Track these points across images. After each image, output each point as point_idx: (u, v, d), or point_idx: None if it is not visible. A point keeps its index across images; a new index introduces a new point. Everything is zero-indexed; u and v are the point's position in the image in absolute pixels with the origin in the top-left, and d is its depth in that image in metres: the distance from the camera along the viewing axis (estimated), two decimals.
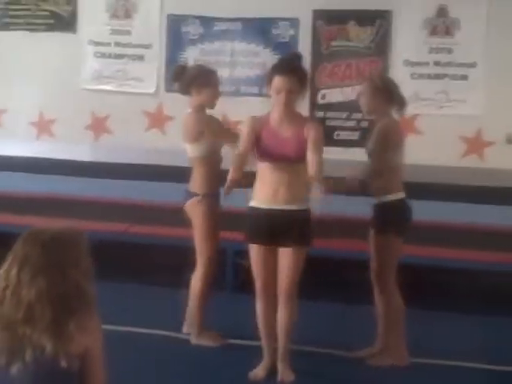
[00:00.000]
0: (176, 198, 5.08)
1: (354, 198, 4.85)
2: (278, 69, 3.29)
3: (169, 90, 5.83)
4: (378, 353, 3.63)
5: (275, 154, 3.24)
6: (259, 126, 3.29)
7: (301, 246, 3.30)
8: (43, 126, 6.04)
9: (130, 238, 4.99)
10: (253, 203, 3.36)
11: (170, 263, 4.72)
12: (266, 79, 3.33)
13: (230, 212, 5.18)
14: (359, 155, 5.48)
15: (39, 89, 5.98)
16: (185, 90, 3.71)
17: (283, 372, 3.35)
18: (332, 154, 5.57)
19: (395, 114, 3.68)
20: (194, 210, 3.64)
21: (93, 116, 5.98)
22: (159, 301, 4.33)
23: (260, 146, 3.27)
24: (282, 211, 3.26)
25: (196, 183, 3.67)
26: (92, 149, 5.92)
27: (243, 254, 4.77)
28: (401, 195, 3.58)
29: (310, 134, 3.25)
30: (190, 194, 3.68)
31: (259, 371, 3.42)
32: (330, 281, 4.68)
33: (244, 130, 3.34)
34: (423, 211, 5.03)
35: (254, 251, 3.36)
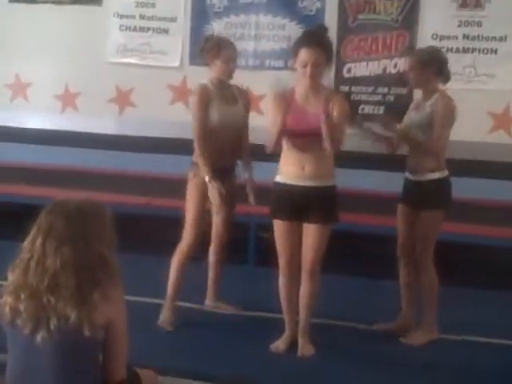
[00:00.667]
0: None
1: (374, 172, 4.84)
2: (304, 41, 3.26)
3: (193, 63, 5.81)
4: (408, 329, 3.61)
5: (302, 129, 3.22)
6: (286, 101, 3.27)
7: (326, 223, 3.29)
8: (68, 100, 6.05)
9: (153, 211, 5.02)
10: (278, 178, 3.35)
11: None
12: (292, 52, 3.30)
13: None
14: (383, 130, 5.48)
15: (64, 62, 5.99)
16: (205, 61, 3.70)
17: (303, 346, 3.36)
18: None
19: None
20: (189, 181, 3.64)
21: (117, 89, 5.98)
22: None
23: (286, 121, 3.24)
24: (308, 188, 3.25)
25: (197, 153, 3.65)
26: (116, 122, 5.93)
27: (265, 227, 4.80)
28: (446, 173, 3.56)
29: (335, 109, 3.24)
30: (192, 165, 3.67)
31: (280, 344, 3.44)
32: (352, 255, 4.67)
33: (273, 105, 3.31)
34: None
35: (278, 227, 3.35)
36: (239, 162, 3.84)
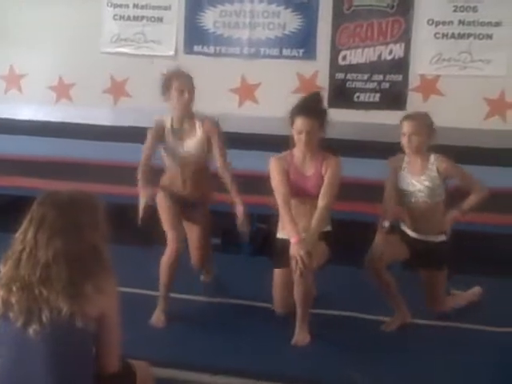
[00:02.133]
0: None
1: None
2: (299, 110, 3.47)
3: (188, 51, 5.79)
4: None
5: (299, 190, 3.49)
6: (286, 166, 3.53)
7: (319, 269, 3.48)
8: (62, 90, 6.03)
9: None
10: (279, 235, 3.61)
11: None
12: (289, 118, 3.49)
13: (249, 176, 5.21)
14: (379, 118, 5.47)
15: (58, 53, 5.96)
16: (165, 98, 3.71)
17: (298, 335, 3.39)
18: (352, 116, 5.57)
19: None
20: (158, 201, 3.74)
21: (112, 79, 5.95)
22: None
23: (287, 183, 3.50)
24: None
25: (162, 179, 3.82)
26: (111, 113, 5.91)
27: (260, 218, 4.80)
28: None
29: (328, 172, 3.49)
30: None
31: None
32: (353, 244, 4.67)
33: (274, 173, 3.53)
34: None
35: (279, 274, 3.57)
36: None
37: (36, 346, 1.93)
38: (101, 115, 5.84)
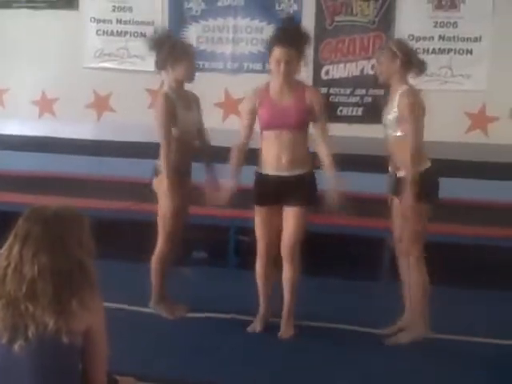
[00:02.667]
0: None
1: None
2: (276, 40, 3.38)
3: None
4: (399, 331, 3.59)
5: (277, 122, 3.39)
6: (259, 100, 3.45)
7: (303, 206, 3.44)
8: (45, 105, 6.01)
9: (134, 216, 4.99)
10: (259, 169, 3.53)
11: None
12: (267, 49, 3.43)
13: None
14: (363, 131, 5.52)
15: (41, 67, 5.95)
16: (161, 65, 3.65)
17: (284, 328, 3.43)
18: (335, 130, 5.59)
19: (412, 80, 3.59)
20: (159, 187, 3.64)
21: (95, 94, 5.95)
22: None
23: (262, 116, 3.43)
24: (286, 177, 3.41)
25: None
26: (94, 127, 5.90)
27: (245, 230, 4.81)
28: (429, 164, 3.51)
29: (314, 99, 3.43)
30: (158, 169, 3.66)
31: (256, 325, 3.56)
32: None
33: (244, 110, 3.52)
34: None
35: (259, 213, 3.51)
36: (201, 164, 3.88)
37: (22, 362, 1.91)
38: (84, 130, 5.83)
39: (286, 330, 3.47)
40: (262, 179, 3.49)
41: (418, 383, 3.09)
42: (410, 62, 3.52)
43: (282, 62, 3.32)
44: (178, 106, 3.59)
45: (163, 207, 3.63)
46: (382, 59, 3.57)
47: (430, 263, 3.51)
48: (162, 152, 3.57)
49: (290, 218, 3.44)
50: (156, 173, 3.66)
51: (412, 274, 3.50)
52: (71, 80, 5.88)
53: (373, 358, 3.28)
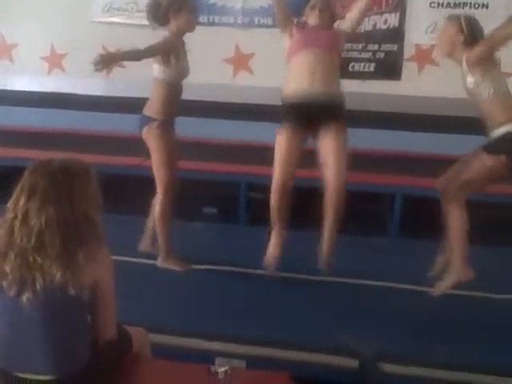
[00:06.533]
0: (187, 132, 5.10)
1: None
2: None
3: None
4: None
5: (311, 41, 3.46)
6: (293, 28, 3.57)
7: (341, 125, 3.40)
8: (54, 61, 5.97)
9: (145, 172, 4.98)
10: (289, 89, 3.47)
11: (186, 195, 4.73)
12: None
13: (243, 146, 5.21)
14: (375, 87, 5.44)
15: (50, 23, 5.88)
16: (163, 20, 3.62)
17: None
18: (347, 86, 5.52)
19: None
20: (151, 136, 3.62)
21: (104, 49, 5.86)
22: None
23: (294, 40, 3.51)
24: (320, 94, 3.38)
25: (154, 108, 3.62)
26: (104, 83, 5.85)
27: (255, 187, 4.80)
28: None
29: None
30: (146, 119, 3.64)
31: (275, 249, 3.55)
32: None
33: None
34: (439, 145, 5.00)
35: (284, 136, 3.42)
36: None
37: (30, 314, 1.93)
38: (94, 85, 5.78)
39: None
40: (291, 97, 3.44)
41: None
42: (473, 42, 3.34)
43: (316, 7, 3.48)
44: (180, 52, 3.60)
45: (156, 158, 3.63)
46: (445, 30, 3.42)
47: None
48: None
49: (329, 143, 3.37)
50: (143, 124, 3.65)
51: (454, 220, 3.45)
52: (80, 35, 5.80)
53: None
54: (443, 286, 3.49)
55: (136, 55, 3.54)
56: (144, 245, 3.94)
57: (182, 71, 3.65)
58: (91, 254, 1.95)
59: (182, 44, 3.70)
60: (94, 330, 2.07)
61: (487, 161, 3.34)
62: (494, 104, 3.33)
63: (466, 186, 3.44)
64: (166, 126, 3.63)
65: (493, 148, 3.34)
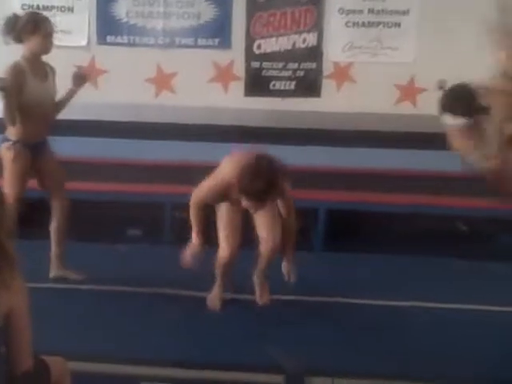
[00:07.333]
0: (110, 153, 5.06)
1: None
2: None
3: (101, 42, 5.68)
4: None
5: None
6: None
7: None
8: None
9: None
10: None
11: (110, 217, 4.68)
12: None
13: (168, 166, 5.21)
14: (295, 105, 5.56)
15: None
16: (18, 39, 3.63)
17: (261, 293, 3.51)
18: (269, 104, 5.63)
19: None
20: (5, 155, 3.65)
21: None
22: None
23: None
24: None
25: (10, 130, 3.64)
26: None
27: (180, 207, 4.80)
28: None
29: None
30: (3, 139, 3.68)
31: (216, 302, 3.57)
32: None
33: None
34: (357, 158, 5.15)
35: (223, 212, 3.50)
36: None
37: None
38: None
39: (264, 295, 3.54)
40: None
41: None
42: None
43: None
44: (29, 76, 3.57)
45: (6, 176, 3.64)
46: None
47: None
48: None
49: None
50: (2, 140, 3.66)
51: None
52: None
53: None
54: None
55: (10, 108, 3.48)
56: (53, 269, 3.88)
57: (38, 94, 3.60)
58: (4, 282, 1.91)
59: (40, 65, 3.66)
60: (9, 360, 2.01)
61: None
62: None
63: None
64: (21, 147, 3.60)
65: None
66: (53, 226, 3.84)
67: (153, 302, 3.60)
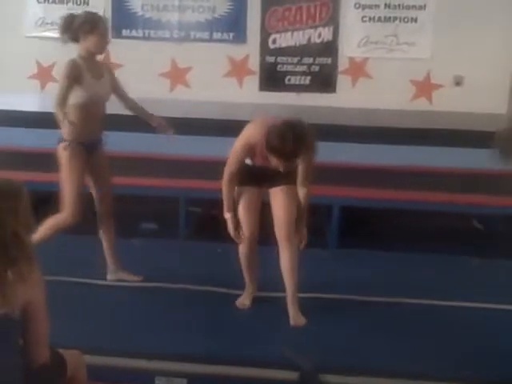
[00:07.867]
0: (125, 147, 5.05)
1: None
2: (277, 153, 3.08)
3: (116, 36, 5.69)
4: None
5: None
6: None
7: (291, 185, 3.32)
8: None
9: None
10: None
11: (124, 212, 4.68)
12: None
13: (181, 160, 5.21)
14: (310, 100, 5.54)
15: None
16: (74, 38, 3.63)
17: (294, 316, 3.36)
18: (283, 99, 5.61)
19: None
20: (60, 155, 3.65)
21: (38, 65, 5.79)
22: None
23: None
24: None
25: (65, 129, 3.63)
26: (38, 98, 5.75)
27: (195, 202, 4.80)
28: None
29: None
30: (60, 139, 3.67)
31: (245, 300, 3.50)
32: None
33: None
34: (372, 155, 5.12)
35: (243, 196, 3.38)
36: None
37: None
38: (28, 101, 5.68)
39: (297, 318, 3.34)
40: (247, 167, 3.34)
41: None
42: None
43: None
44: (85, 74, 3.57)
45: (63, 175, 3.63)
46: None
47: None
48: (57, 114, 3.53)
49: (279, 198, 3.33)
50: (59, 140, 3.65)
51: None
52: (12, 50, 5.70)
53: None
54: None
55: (60, 100, 3.48)
56: (111, 271, 3.88)
57: (94, 93, 3.61)
58: (22, 274, 1.91)
59: (96, 64, 3.67)
60: (26, 353, 2.02)
61: None
62: None
63: None
64: (77, 147, 3.59)
65: None
66: (103, 228, 3.80)
67: (168, 297, 3.60)
